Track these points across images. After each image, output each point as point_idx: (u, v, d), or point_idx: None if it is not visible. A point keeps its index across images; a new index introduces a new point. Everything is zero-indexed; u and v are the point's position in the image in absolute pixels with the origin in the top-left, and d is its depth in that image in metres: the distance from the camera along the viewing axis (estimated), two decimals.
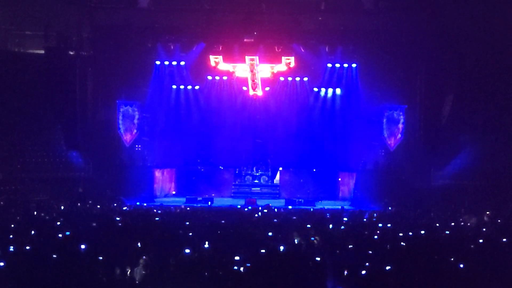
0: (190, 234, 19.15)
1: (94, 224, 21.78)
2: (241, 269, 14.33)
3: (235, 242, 17.70)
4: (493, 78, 34.58)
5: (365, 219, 24.88)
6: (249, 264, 14.82)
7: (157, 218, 23.57)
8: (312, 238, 18.64)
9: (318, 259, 15.50)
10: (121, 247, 16.26)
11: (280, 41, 34.59)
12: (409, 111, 36.60)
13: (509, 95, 34.29)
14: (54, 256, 15.14)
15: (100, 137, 37.26)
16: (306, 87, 38.10)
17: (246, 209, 27.82)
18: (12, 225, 20.66)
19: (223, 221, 22.58)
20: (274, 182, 37.38)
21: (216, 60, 35.69)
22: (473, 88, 34.93)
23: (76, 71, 35.13)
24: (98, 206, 28.48)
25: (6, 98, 35.89)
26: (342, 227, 21.61)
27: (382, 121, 36.95)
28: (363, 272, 14.29)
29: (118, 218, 23.24)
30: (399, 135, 36.56)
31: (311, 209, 28.95)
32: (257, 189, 36.64)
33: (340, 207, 29.20)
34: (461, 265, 14.84)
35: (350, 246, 17.59)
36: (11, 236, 18.21)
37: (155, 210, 27.22)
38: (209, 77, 37.79)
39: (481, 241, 18.56)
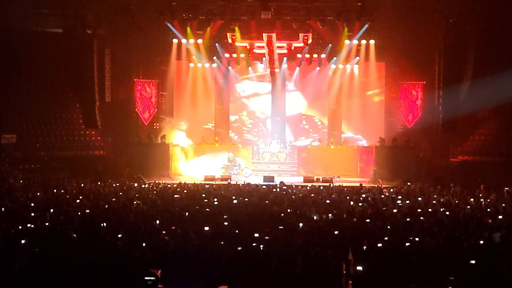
0: (208, 210, 19.25)
1: (114, 199, 22.01)
2: (261, 246, 14.37)
3: (253, 219, 17.78)
4: None
5: (383, 196, 24.85)
6: (268, 241, 14.88)
7: (176, 196, 23.69)
8: (331, 215, 18.67)
9: (336, 234, 15.57)
10: (139, 225, 16.36)
11: (297, 17, 34.35)
12: (427, 87, 36.38)
13: None
14: (74, 234, 15.27)
15: (118, 116, 37.51)
16: (323, 64, 37.99)
17: (264, 186, 27.83)
18: (32, 204, 20.85)
19: (241, 198, 22.68)
20: (292, 159, 37.29)
21: (233, 37, 35.57)
22: (492, 64, 34.57)
23: (94, 49, 35.16)
24: (117, 184, 28.64)
25: (25, 77, 36.13)
26: (360, 204, 21.61)
27: (400, 97, 36.86)
28: (382, 247, 14.32)
29: (136, 195, 23.44)
30: (418, 112, 36.42)
31: (330, 186, 28.90)
32: (275, 166, 36.61)
33: (358, 184, 29.13)
34: (481, 242, 14.81)
35: (367, 220, 17.64)
36: (31, 214, 18.39)
37: (174, 187, 27.31)
38: (227, 55, 37.79)
39: (500, 217, 18.50)
